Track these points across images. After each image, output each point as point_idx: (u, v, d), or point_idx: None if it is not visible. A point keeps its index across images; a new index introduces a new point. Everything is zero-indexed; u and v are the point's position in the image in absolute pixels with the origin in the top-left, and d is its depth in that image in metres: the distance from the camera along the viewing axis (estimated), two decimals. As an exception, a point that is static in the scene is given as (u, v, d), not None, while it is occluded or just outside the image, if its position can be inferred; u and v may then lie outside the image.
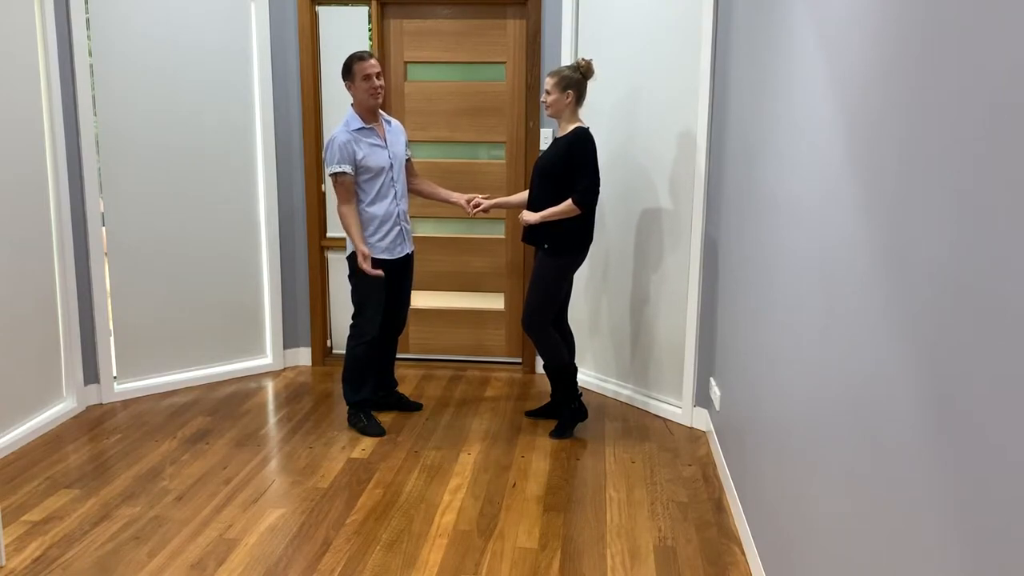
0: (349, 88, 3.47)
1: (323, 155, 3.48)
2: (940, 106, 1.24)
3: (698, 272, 3.66)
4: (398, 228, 3.60)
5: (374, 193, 3.51)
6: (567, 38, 4.12)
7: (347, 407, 3.74)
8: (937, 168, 1.24)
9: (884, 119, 1.49)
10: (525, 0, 4.22)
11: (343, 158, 3.42)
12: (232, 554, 2.63)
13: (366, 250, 3.44)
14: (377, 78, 3.45)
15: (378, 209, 3.52)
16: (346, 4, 4.33)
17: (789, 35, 2.33)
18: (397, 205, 3.58)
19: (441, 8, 4.33)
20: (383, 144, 3.53)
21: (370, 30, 4.36)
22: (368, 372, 3.67)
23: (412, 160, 3.89)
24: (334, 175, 3.44)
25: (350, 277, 3.60)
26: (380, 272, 3.44)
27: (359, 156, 3.45)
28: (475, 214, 3.72)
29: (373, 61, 3.46)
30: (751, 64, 2.94)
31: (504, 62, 4.35)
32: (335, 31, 4.38)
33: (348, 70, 3.45)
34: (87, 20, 3.72)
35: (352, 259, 3.56)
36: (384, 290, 3.60)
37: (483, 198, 3.72)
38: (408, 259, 3.70)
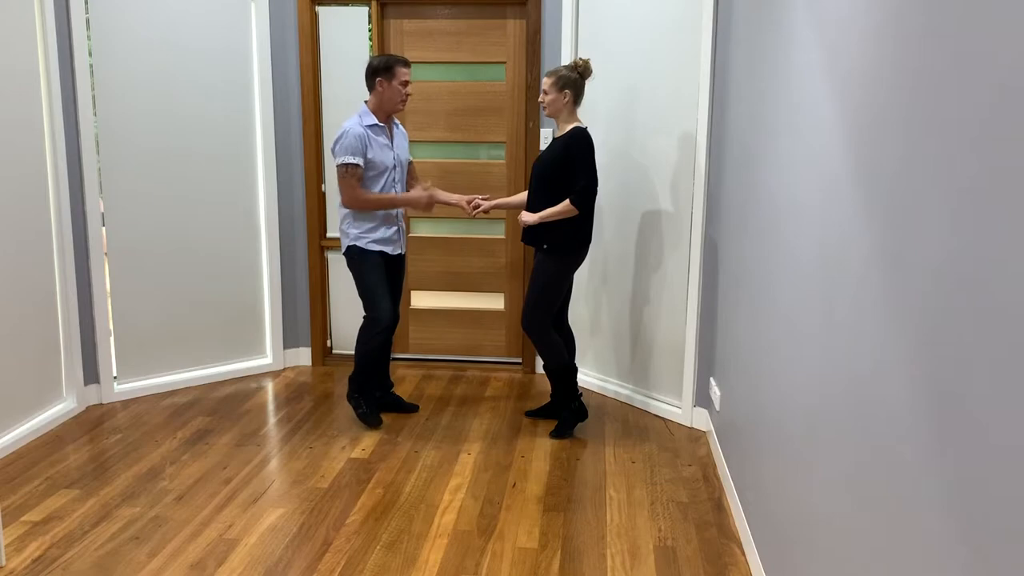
0: (380, 85, 3.50)
1: (333, 146, 3.50)
2: (939, 106, 1.24)
3: (698, 272, 3.66)
4: (396, 227, 3.65)
5: (377, 191, 3.55)
6: (567, 38, 4.12)
7: (348, 390, 3.75)
8: (937, 168, 1.24)
9: (883, 119, 1.49)
10: (525, 0, 4.22)
11: (356, 150, 3.46)
12: (232, 554, 2.63)
13: (422, 198, 3.60)
14: (410, 87, 3.55)
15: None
16: (346, 4, 4.33)
17: (789, 35, 2.33)
18: None
19: (441, 8, 4.33)
20: (390, 145, 3.59)
21: (370, 30, 4.36)
22: (377, 362, 3.72)
23: (413, 163, 3.94)
24: (345, 166, 3.45)
25: (354, 277, 3.63)
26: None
27: (369, 153, 3.49)
28: (475, 215, 3.72)
29: (410, 71, 3.56)
30: (751, 64, 2.94)
31: (504, 62, 4.35)
32: (335, 31, 4.38)
33: (389, 68, 3.48)
34: (87, 20, 3.72)
35: (350, 253, 3.60)
36: (385, 276, 3.64)
37: (482, 199, 3.72)
38: (401, 259, 3.74)
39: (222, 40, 4.11)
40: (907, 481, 1.32)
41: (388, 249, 3.62)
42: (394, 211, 3.62)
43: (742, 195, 3.00)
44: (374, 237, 3.57)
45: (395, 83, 3.49)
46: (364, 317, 3.66)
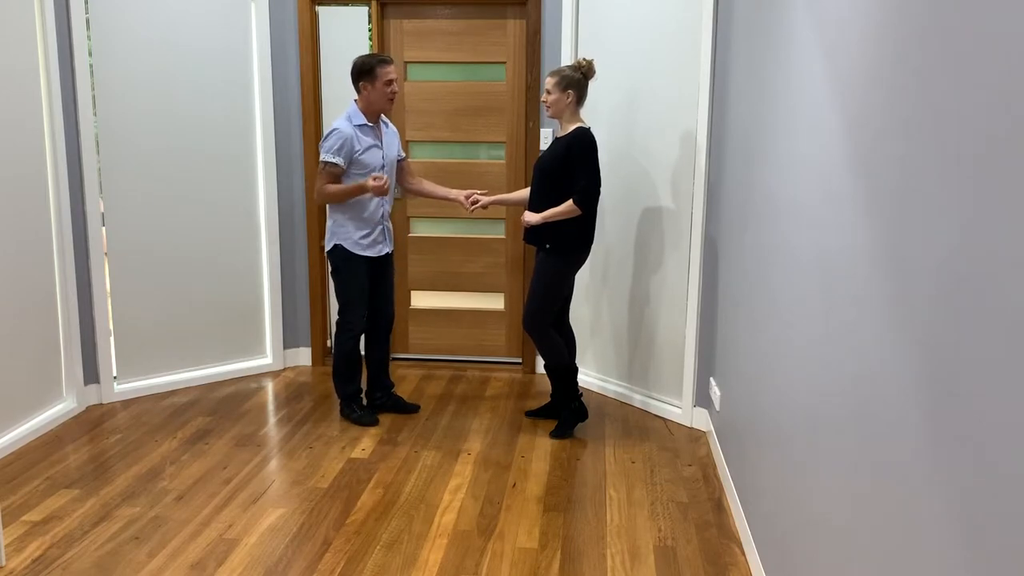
0: (364, 88, 3.50)
1: (321, 141, 3.53)
2: (939, 106, 1.24)
3: (698, 272, 3.66)
4: (380, 227, 3.66)
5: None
6: (567, 38, 4.12)
7: (339, 401, 3.85)
8: (936, 168, 1.24)
9: (883, 119, 1.49)
10: (525, 0, 4.22)
11: (340, 151, 3.47)
12: (232, 554, 2.63)
13: (369, 183, 3.41)
14: (396, 84, 3.54)
15: (366, 206, 3.57)
16: (346, 4, 4.33)
17: (789, 35, 2.33)
18: (382, 205, 3.64)
19: (441, 8, 4.33)
20: (379, 144, 3.58)
21: (370, 30, 4.36)
22: (357, 364, 3.75)
23: (408, 161, 3.93)
24: (324, 163, 3.48)
25: (333, 274, 3.66)
26: (383, 178, 3.41)
27: (356, 151, 3.50)
28: (473, 210, 3.72)
29: (394, 67, 3.54)
30: (751, 64, 2.94)
31: (504, 62, 4.35)
32: (335, 31, 4.38)
33: (370, 71, 3.47)
34: (87, 20, 3.72)
35: (332, 254, 3.61)
36: (367, 284, 3.67)
37: (481, 194, 3.73)
38: (388, 258, 3.74)
39: (222, 40, 4.11)
40: (907, 481, 1.32)
41: (372, 253, 3.63)
42: (379, 212, 3.62)
43: (742, 195, 3.00)
44: (360, 239, 3.58)
45: (379, 84, 3.48)
46: (337, 321, 3.69)
